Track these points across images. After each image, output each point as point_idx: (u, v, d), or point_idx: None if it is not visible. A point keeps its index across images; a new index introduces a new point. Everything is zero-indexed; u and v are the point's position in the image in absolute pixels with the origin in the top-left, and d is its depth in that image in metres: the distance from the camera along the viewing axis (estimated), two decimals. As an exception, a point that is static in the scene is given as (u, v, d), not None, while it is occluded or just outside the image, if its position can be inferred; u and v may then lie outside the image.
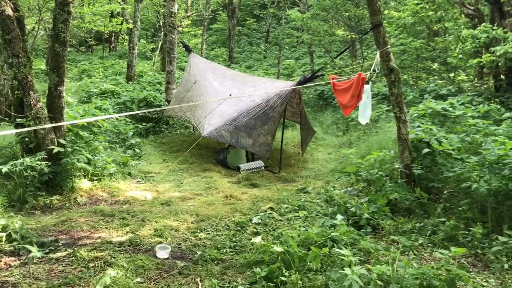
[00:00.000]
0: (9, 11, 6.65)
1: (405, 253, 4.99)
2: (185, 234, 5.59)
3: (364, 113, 7.19)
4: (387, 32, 12.36)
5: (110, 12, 20.62)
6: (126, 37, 26.78)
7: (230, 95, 9.93)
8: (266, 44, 28.80)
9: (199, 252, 4.93)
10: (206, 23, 24.51)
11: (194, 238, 5.48)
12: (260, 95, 9.62)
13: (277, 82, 11.27)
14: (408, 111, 7.76)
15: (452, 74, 14.30)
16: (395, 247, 5.12)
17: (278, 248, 4.29)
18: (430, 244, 5.33)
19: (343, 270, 3.70)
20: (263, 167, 9.68)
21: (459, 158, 6.63)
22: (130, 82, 17.91)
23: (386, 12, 14.77)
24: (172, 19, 13.83)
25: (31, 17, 12.31)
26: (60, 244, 5.07)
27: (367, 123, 7.57)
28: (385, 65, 6.84)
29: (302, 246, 4.76)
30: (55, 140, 7.10)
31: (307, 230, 5.20)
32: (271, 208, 6.61)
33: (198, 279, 4.31)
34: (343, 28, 18.64)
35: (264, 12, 29.55)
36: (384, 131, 10.29)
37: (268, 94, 9.53)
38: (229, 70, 13.28)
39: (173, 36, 13.82)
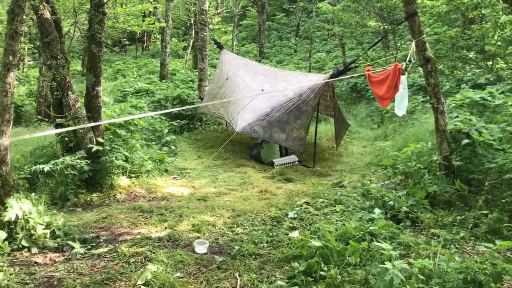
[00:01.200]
0: (47, 15, 6.85)
1: (447, 247, 4.87)
2: (222, 229, 5.63)
3: (401, 104, 7.04)
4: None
5: (142, 12, 20.94)
6: (158, 36, 27.17)
7: (262, 90, 9.93)
8: (296, 38, 28.62)
9: (236, 247, 4.96)
10: (236, 20, 24.56)
11: (231, 233, 5.51)
12: (292, 89, 9.57)
13: (309, 76, 11.18)
14: (445, 102, 7.56)
15: (490, 62, 13.81)
16: (436, 240, 5.00)
17: (316, 243, 4.26)
18: (472, 238, 5.18)
19: (383, 264, 3.64)
20: (297, 162, 9.64)
21: (501, 149, 6.42)
22: (164, 81, 18.17)
23: (419, 1, 14.40)
24: (203, 17, 13.93)
25: (66, 19, 12.63)
26: (101, 240, 5.20)
27: (403, 114, 7.42)
28: (421, 55, 6.67)
29: (340, 240, 4.72)
30: (94, 139, 7.28)
31: (344, 225, 5.16)
32: (307, 203, 6.57)
33: (236, 274, 4.33)
34: (375, 19, 18.30)
35: (294, 6, 29.37)
36: (421, 123, 10.07)
37: (301, 88, 9.48)
38: (260, 65, 13.28)
39: (205, 34, 13.91)
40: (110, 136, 7.76)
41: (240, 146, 10.97)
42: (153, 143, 9.90)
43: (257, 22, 28.25)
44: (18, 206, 4.81)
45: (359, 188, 7.24)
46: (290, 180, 8.38)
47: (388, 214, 5.76)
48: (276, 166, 9.32)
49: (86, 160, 6.93)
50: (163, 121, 11.19)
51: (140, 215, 6.11)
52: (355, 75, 12.52)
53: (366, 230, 4.77)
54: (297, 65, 22.59)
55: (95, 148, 7.09)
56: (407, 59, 6.75)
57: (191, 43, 23.87)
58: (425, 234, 5.34)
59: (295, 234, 5.10)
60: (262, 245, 5.06)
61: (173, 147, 10.24)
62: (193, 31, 22.85)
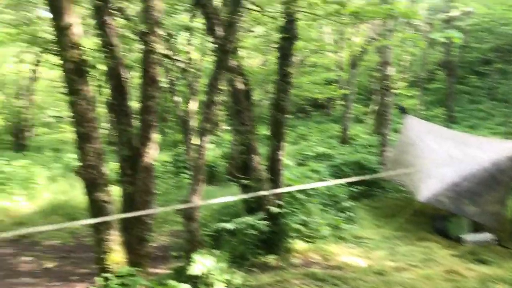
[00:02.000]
0: (240, 86, 7.57)
1: None
2: (401, 310, 5.13)
3: None
4: None
5: (326, 80, 21.79)
6: (341, 102, 27.81)
7: (450, 157, 9.16)
8: (492, 102, 26.17)
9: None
10: (422, 83, 23.74)
11: (410, 316, 4.98)
12: (487, 157, 8.62)
13: (508, 143, 9.99)
14: None
15: None
16: None
17: None
18: None
19: None
20: (493, 240, 8.43)
21: None
22: (344, 145, 18.26)
23: None
24: (387, 82, 13.78)
25: (257, 90, 13.85)
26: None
27: None
28: None
29: None
30: (274, 201, 7.53)
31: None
32: (505, 291, 5.62)
33: None
34: None
35: (488, 68, 27.18)
36: None
37: (497, 156, 8.47)
38: (448, 130, 12.43)
39: (388, 99, 13.68)
40: (289, 199, 7.94)
41: (423, 217, 10.12)
42: (330, 208, 9.80)
43: (446, 85, 26.80)
44: (202, 262, 5.15)
45: None
46: (483, 261, 7.33)
47: None
48: (465, 243, 8.30)
49: (266, 222, 7.15)
50: (341, 186, 11.08)
51: (313, 283, 5.98)
52: None
53: None
54: (492, 130, 20.47)
55: (274, 210, 7.31)
56: None
57: (374, 108, 23.75)
58: None
59: (489, 328, 4.35)
60: (447, 336, 4.43)
61: (350, 214, 9.98)
62: (376, 96, 22.76)
